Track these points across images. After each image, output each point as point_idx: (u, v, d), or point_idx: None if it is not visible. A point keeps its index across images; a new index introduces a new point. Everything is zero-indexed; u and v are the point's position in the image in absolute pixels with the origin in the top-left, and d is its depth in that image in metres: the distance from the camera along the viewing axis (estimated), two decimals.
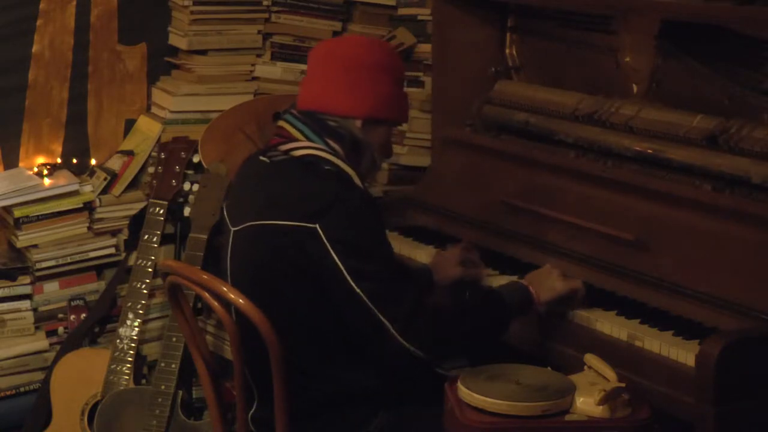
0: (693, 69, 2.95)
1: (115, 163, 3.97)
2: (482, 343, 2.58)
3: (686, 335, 2.55)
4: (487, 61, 3.54)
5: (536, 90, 3.36)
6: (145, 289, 3.68)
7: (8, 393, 3.74)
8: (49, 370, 3.69)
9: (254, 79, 4.12)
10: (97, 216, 3.86)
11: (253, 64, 4.12)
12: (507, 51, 3.57)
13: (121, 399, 3.56)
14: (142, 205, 3.85)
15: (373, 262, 2.46)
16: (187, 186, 3.76)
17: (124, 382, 3.60)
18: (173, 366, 3.54)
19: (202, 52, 4.04)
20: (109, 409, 3.54)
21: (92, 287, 3.89)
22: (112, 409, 3.54)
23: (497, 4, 3.50)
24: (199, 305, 3.82)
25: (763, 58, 2.78)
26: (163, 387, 3.52)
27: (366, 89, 2.57)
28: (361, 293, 2.43)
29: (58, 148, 3.99)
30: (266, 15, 4.11)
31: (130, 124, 4.09)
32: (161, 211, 3.73)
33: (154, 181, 3.77)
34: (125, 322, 3.66)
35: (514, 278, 2.95)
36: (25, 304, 3.78)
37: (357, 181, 2.54)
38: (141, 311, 3.67)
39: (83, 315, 3.78)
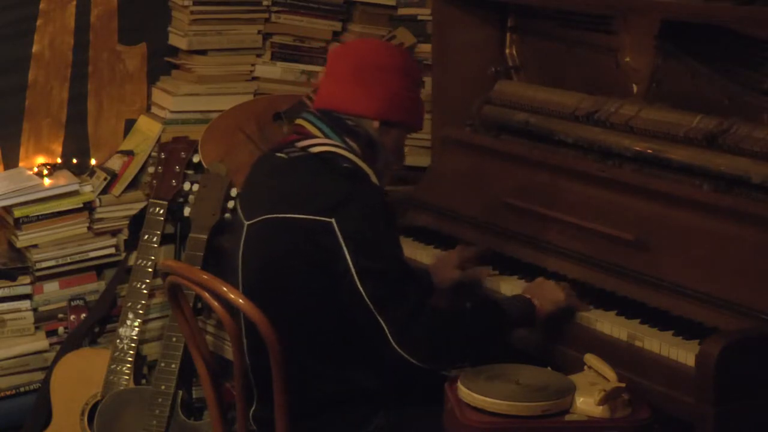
0: (693, 69, 2.95)
1: (115, 163, 3.97)
2: (480, 354, 2.57)
3: (686, 335, 2.55)
4: (487, 61, 3.54)
5: (536, 90, 3.36)
6: (145, 289, 3.68)
7: (8, 393, 3.74)
8: (49, 370, 3.69)
9: (254, 79, 4.12)
10: (97, 216, 3.86)
11: (253, 64, 4.12)
12: (507, 51, 3.57)
13: (121, 399, 3.56)
14: (142, 205, 3.86)
15: (382, 262, 2.47)
16: (187, 186, 3.75)
17: (124, 382, 3.60)
18: (173, 366, 3.54)
19: (202, 52, 4.04)
20: (109, 409, 3.54)
21: (92, 287, 3.89)
22: (112, 409, 3.54)
23: (497, 4, 3.50)
24: (199, 305, 3.82)
25: (763, 58, 2.78)
26: (163, 387, 3.52)
27: (382, 90, 2.60)
28: (363, 293, 2.44)
29: (58, 148, 3.99)
30: (266, 15, 4.11)
31: (130, 124, 4.09)
32: (161, 211, 3.73)
33: (154, 181, 3.77)
34: (125, 322, 3.66)
35: (514, 278, 2.96)
36: (25, 304, 3.78)
37: (374, 179, 2.56)
38: (141, 311, 3.67)
39: (83, 315, 3.78)
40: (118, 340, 3.65)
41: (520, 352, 2.74)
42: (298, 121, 2.66)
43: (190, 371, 3.67)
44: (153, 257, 3.69)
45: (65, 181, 3.81)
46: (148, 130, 4.01)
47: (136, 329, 3.65)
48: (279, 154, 2.64)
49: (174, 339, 3.56)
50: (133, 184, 3.95)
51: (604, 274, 2.88)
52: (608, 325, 2.66)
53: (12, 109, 3.91)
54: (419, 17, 4.06)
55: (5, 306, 3.75)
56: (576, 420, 2.31)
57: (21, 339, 3.78)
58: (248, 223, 2.61)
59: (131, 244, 3.84)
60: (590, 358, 2.45)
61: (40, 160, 3.94)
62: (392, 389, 2.58)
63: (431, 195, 3.44)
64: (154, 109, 4.10)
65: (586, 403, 2.32)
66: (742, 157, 2.74)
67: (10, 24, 3.87)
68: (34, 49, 3.91)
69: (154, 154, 3.93)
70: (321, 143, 2.58)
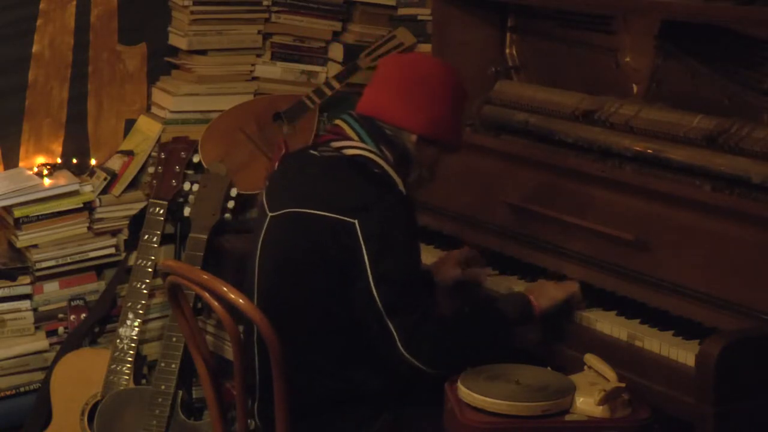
0: (693, 69, 2.95)
1: (115, 163, 3.97)
2: (482, 356, 2.57)
3: (686, 335, 2.55)
4: (487, 61, 3.54)
5: (536, 90, 3.36)
6: (145, 289, 3.68)
7: (8, 393, 3.74)
8: (49, 370, 3.69)
9: (254, 79, 4.12)
10: (97, 216, 3.86)
11: (253, 64, 4.12)
12: (507, 51, 3.57)
13: (121, 399, 3.56)
14: (142, 205, 3.86)
15: (398, 269, 2.49)
16: (187, 186, 3.76)
17: (124, 382, 3.60)
18: (173, 366, 3.54)
19: (202, 52, 4.04)
20: (109, 409, 3.54)
21: (92, 287, 3.89)
22: (112, 409, 3.54)
23: (497, 4, 3.50)
24: (199, 305, 3.82)
25: (763, 58, 2.78)
26: (163, 387, 3.52)
27: (427, 106, 2.63)
28: (377, 296, 2.47)
29: (58, 148, 3.99)
30: (266, 15, 4.11)
31: (130, 124, 4.09)
32: (161, 211, 3.73)
33: (154, 181, 3.77)
34: (125, 322, 3.66)
35: (514, 278, 2.96)
36: (25, 304, 3.78)
37: (401, 188, 2.58)
38: (141, 311, 3.67)
39: (83, 315, 3.78)
40: (118, 340, 3.65)
41: (520, 352, 2.74)
42: (337, 121, 2.69)
43: (190, 371, 3.68)
44: (153, 257, 3.69)
45: (65, 181, 3.81)
46: (148, 130, 4.01)
47: (136, 329, 3.66)
48: (312, 152, 2.67)
49: (174, 339, 3.56)
50: (133, 184, 3.95)
51: (604, 274, 2.88)
52: (608, 325, 2.66)
53: (12, 109, 3.91)
54: (419, 17, 4.07)
55: (5, 306, 3.75)
56: (576, 420, 2.31)
57: (21, 339, 3.78)
58: (271, 214, 2.64)
59: (131, 244, 3.84)
60: (590, 358, 2.45)
61: (40, 160, 3.94)
62: (394, 390, 2.58)
63: (431, 195, 3.43)
64: (154, 109, 4.10)
65: (586, 403, 2.32)
66: (742, 157, 2.74)
67: (10, 24, 3.87)
68: (34, 49, 3.91)
69: (154, 154, 3.93)
70: (355, 146, 2.61)
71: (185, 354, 3.51)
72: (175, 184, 3.76)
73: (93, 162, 4.00)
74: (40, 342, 3.79)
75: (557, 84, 3.34)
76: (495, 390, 2.33)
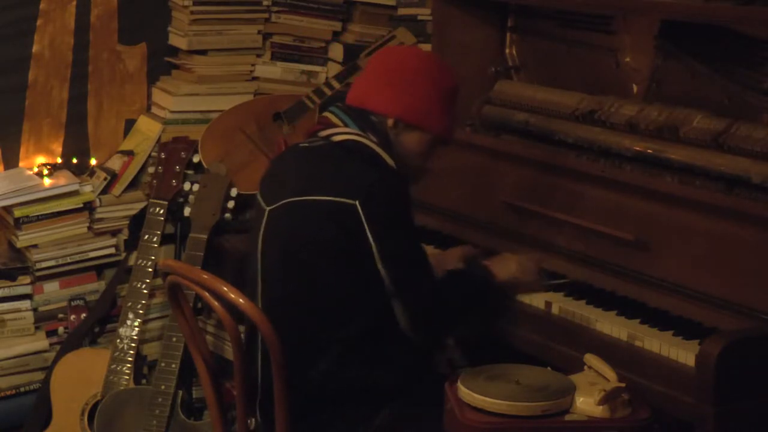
0: (693, 69, 2.95)
1: (115, 163, 3.97)
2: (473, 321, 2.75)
3: (686, 335, 2.55)
4: (487, 61, 3.54)
5: (536, 90, 3.36)
6: (145, 289, 3.68)
7: (8, 393, 3.74)
8: (49, 370, 3.69)
9: (254, 79, 4.12)
10: (97, 216, 3.86)
11: (253, 64, 4.12)
12: (507, 51, 3.57)
13: (121, 399, 3.56)
14: (142, 205, 3.86)
15: (402, 247, 2.55)
16: (187, 186, 3.75)
17: (124, 382, 3.60)
18: (173, 366, 3.54)
19: (202, 52, 4.04)
20: (109, 409, 3.54)
21: (92, 287, 3.89)
22: (112, 409, 3.54)
23: (497, 4, 3.50)
24: (199, 305, 3.82)
25: (763, 58, 2.78)
26: (163, 387, 3.52)
27: (401, 90, 2.67)
28: (385, 274, 2.51)
29: (58, 148, 3.99)
30: (266, 15, 4.11)
31: (130, 124, 4.09)
32: (161, 211, 3.73)
33: (154, 181, 3.77)
34: (125, 322, 3.66)
35: None
36: (25, 304, 3.78)
37: (394, 167, 2.63)
38: (141, 311, 3.67)
39: (83, 315, 3.78)
40: (118, 340, 3.65)
41: (521, 352, 2.74)
42: (325, 113, 2.74)
43: (190, 371, 3.68)
44: (153, 257, 3.69)
45: (65, 181, 3.81)
46: (148, 130, 4.01)
47: (136, 329, 3.65)
48: (302, 144, 2.72)
49: (174, 339, 3.56)
50: (133, 184, 3.95)
51: (604, 274, 2.88)
52: (608, 325, 2.66)
53: (12, 109, 3.91)
54: (419, 17, 4.07)
55: (5, 306, 3.75)
56: (576, 420, 2.31)
57: (21, 339, 3.78)
58: (269, 208, 2.65)
59: (131, 244, 3.84)
60: (590, 358, 2.45)
61: (40, 160, 3.94)
62: (394, 388, 2.59)
63: (431, 195, 3.44)
64: (154, 109, 4.10)
65: (586, 403, 2.32)
66: (742, 157, 2.74)
67: (10, 24, 3.87)
68: (34, 49, 3.91)
69: (154, 154, 3.93)
70: (343, 132, 2.65)
71: (185, 354, 3.51)
72: (175, 184, 3.76)
73: (93, 162, 4.00)
74: (40, 342, 3.78)
75: (557, 84, 3.34)
76: (495, 390, 2.33)
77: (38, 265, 3.77)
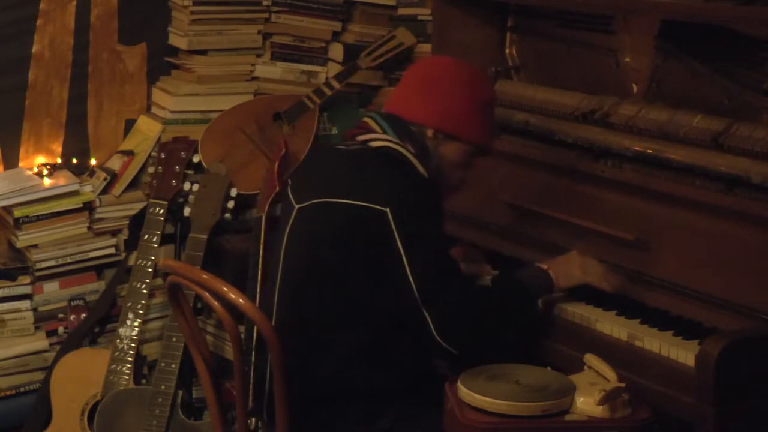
0: (693, 69, 2.95)
1: (115, 163, 3.97)
2: (508, 333, 2.69)
3: (686, 335, 2.55)
4: (487, 61, 3.54)
5: (536, 90, 3.36)
6: (145, 289, 3.68)
7: (8, 393, 3.74)
8: (49, 370, 3.69)
9: (254, 79, 4.12)
10: (97, 216, 3.86)
11: (253, 64, 4.12)
12: (507, 51, 3.57)
13: (121, 399, 3.56)
14: (142, 205, 3.86)
15: (431, 256, 2.54)
16: (187, 186, 3.76)
17: (124, 382, 3.60)
18: (173, 366, 3.54)
19: (202, 52, 4.04)
20: (109, 409, 3.54)
21: (92, 287, 3.89)
22: (112, 409, 3.54)
23: (497, 4, 3.50)
24: (199, 305, 3.82)
25: (763, 58, 2.78)
26: (163, 387, 3.52)
27: (440, 101, 2.70)
28: (413, 283, 2.50)
29: (58, 148, 3.99)
30: (266, 15, 4.11)
31: (130, 124, 4.09)
32: (161, 211, 3.73)
33: (154, 181, 3.77)
34: (125, 322, 3.66)
35: None
36: (25, 304, 3.78)
37: (427, 176, 2.63)
38: (141, 311, 3.67)
39: (83, 315, 3.78)
40: (118, 340, 3.65)
41: (520, 352, 2.74)
42: (364, 118, 2.75)
43: (190, 371, 3.68)
44: (153, 257, 3.69)
45: (65, 181, 3.81)
46: (148, 130, 4.01)
47: (136, 329, 3.66)
48: (338, 146, 2.74)
49: (174, 339, 3.56)
50: (133, 184, 3.94)
51: None
52: (608, 325, 2.66)
53: (12, 109, 3.91)
54: (419, 17, 4.07)
55: (5, 306, 3.75)
56: (576, 420, 2.31)
57: (21, 339, 3.77)
58: (299, 206, 2.67)
59: (131, 244, 3.84)
60: (590, 358, 2.45)
61: (40, 160, 3.94)
62: (396, 390, 2.59)
63: None
64: (154, 109, 4.10)
65: (586, 403, 2.32)
66: (742, 157, 2.74)
67: (10, 24, 3.87)
68: (34, 49, 3.91)
69: (154, 154, 3.93)
70: (380, 138, 2.66)
71: (185, 354, 3.51)
72: (175, 184, 3.76)
73: (93, 162, 4.00)
74: (40, 342, 3.78)
75: (557, 84, 3.34)
76: (495, 390, 2.33)
77: (38, 265, 3.77)
